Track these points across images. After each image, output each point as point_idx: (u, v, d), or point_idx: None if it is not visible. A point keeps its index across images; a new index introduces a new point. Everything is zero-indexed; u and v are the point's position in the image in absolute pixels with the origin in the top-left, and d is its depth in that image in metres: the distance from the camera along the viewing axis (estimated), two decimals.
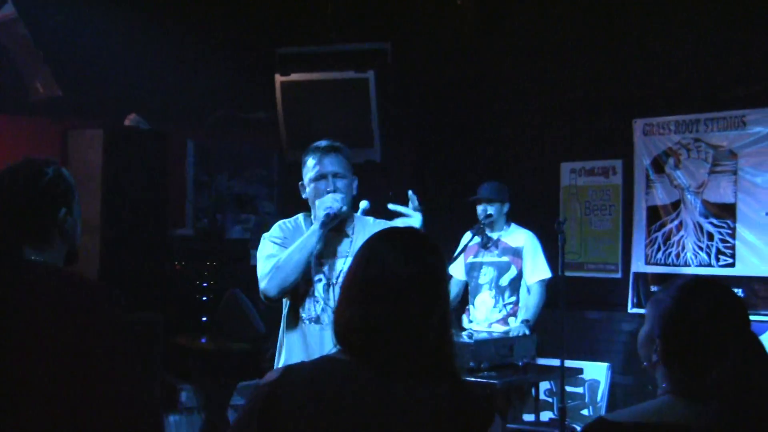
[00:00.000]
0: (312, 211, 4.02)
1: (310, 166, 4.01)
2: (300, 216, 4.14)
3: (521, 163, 7.85)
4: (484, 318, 6.38)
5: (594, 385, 7.13)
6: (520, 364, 5.70)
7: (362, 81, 7.35)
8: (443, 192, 7.96)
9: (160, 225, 7.02)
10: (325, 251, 3.98)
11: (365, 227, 4.02)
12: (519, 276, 6.34)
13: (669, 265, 7.06)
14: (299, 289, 3.97)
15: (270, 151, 7.82)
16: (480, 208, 6.39)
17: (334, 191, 3.93)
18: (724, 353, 2.24)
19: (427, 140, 8.30)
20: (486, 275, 6.42)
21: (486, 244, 6.39)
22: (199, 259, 7.24)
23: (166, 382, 6.82)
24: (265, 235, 4.12)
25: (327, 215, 3.87)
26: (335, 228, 3.96)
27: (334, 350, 2.24)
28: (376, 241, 2.29)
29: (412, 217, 4.00)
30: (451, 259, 6.20)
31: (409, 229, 2.36)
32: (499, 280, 6.37)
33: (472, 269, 6.46)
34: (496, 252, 6.42)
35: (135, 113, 6.96)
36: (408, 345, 2.14)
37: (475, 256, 6.42)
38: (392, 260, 2.20)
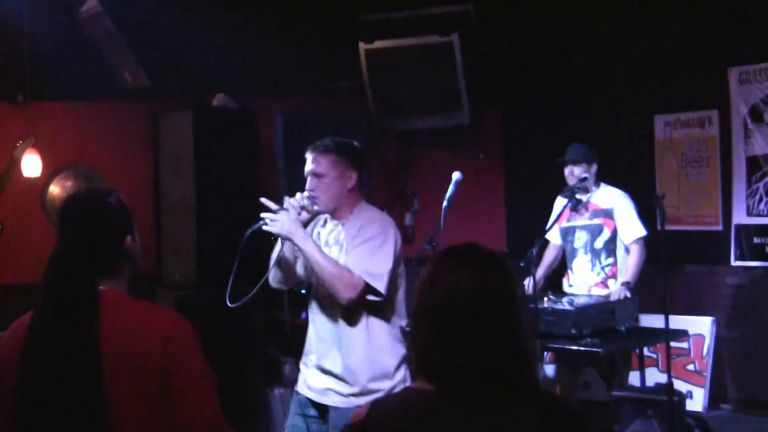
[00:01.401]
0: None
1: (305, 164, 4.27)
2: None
3: (613, 120, 7.69)
4: (582, 282, 6.32)
5: (699, 340, 7.01)
6: (623, 329, 5.60)
7: (447, 45, 7.28)
8: (533, 153, 7.86)
9: (253, 201, 7.06)
10: (320, 242, 4.22)
11: (358, 217, 4.22)
12: (613, 237, 6.24)
13: None
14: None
15: (358, 119, 7.79)
16: (567, 170, 6.30)
17: (312, 189, 4.16)
18: None
19: (515, 101, 8.18)
20: (580, 239, 6.34)
21: (576, 207, 6.28)
22: None
23: (269, 356, 6.93)
24: None
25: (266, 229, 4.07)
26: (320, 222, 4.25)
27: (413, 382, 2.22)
28: (438, 261, 2.23)
29: (279, 214, 4.05)
30: (548, 227, 6.14)
31: (471, 246, 2.26)
32: (594, 243, 6.29)
33: (567, 234, 6.38)
34: (587, 215, 6.32)
35: (222, 93, 6.99)
36: (486, 365, 2.08)
37: (568, 220, 6.32)
38: (456, 280, 2.14)
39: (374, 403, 2.22)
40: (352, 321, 4.16)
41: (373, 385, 4.16)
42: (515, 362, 2.11)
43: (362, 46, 7.42)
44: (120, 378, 2.42)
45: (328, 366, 4.21)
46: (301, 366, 4.38)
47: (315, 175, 4.18)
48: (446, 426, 2.09)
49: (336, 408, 4.19)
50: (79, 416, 2.37)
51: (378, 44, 7.42)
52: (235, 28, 7.22)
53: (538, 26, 7.76)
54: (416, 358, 2.18)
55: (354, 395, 4.15)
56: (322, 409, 4.26)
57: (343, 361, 4.16)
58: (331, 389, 4.21)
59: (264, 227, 4.07)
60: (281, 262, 4.21)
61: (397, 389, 4.14)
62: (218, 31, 7.12)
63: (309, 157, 4.24)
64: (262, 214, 4.07)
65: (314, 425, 4.30)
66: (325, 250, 4.15)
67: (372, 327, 4.20)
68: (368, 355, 4.19)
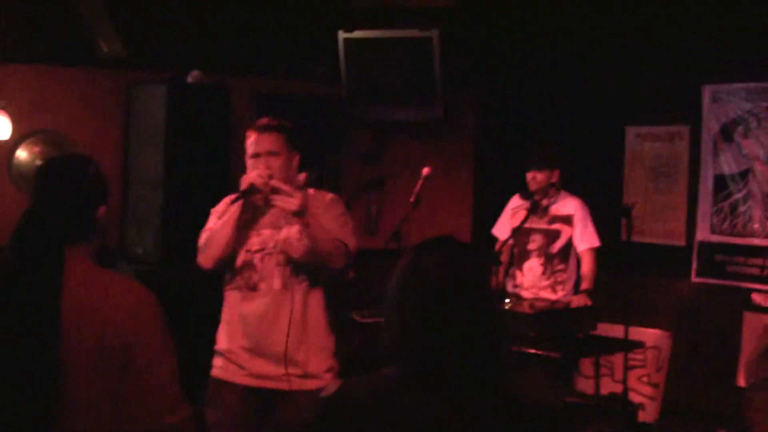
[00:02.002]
0: None
1: (249, 144, 4.25)
2: None
3: (586, 126, 7.72)
4: (531, 285, 6.35)
5: (655, 352, 7.08)
6: (582, 336, 5.66)
7: (426, 39, 7.30)
8: (504, 151, 7.88)
9: (223, 180, 7.03)
10: (262, 222, 4.23)
11: (312, 196, 4.24)
12: (569, 244, 6.30)
13: (735, 235, 6.94)
14: (237, 259, 4.19)
15: (333, 105, 7.78)
16: (529, 175, 6.32)
17: (266, 168, 4.13)
18: None
19: (490, 100, 8.20)
20: (535, 242, 6.38)
21: (536, 211, 6.32)
22: None
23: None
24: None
25: (249, 188, 4.07)
26: (270, 202, 4.17)
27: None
28: (415, 252, 2.25)
29: (287, 200, 4.07)
30: (513, 230, 6.17)
31: (448, 237, 2.30)
32: (549, 248, 6.33)
33: (521, 235, 6.38)
34: (546, 219, 6.37)
35: (198, 70, 6.94)
36: (458, 358, 2.11)
37: (525, 221, 6.35)
38: (434, 268, 2.16)
39: (344, 384, 2.23)
40: (311, 301, 4.20)
41: (318, 368, 4.20)
42: (486, 356, 2.14)
43: (341, 35, 7.43)
44: (79, 347, 2.42)
45: (273, 349, 4.17)
46: (226, 354, 4.28)
47: (269, 153, 4.19)
48: (413, 416, 2.10)
49: (283, 392, 4.17)
50: (32, 380, 2.35)
51: (357, 34, 7.42)
52: (217, 4, 7.19)
53: (518, 27, 7.79)
54: (389, 347, 2.19)
55: (301, 377, 4.16)
56: (263, 396, 4.23)
57: (293, 342, 4.14)
58: (275, 374, 4.17)
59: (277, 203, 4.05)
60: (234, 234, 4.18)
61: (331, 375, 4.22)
62: (199, 6, 7.08)
63: (258, 136, 4.24)
64: (273, 196, 4.05)
65: (252, 414, 4.26)
66: (275, 232, 4.20)
67: (328, 308, 4.28)
68: (319, 336, 4.23)
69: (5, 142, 6.64)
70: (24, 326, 2.37)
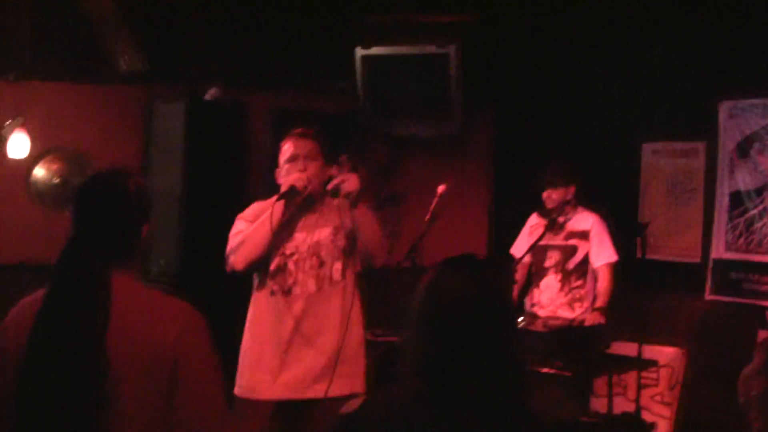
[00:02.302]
0: None
1: (285, 149, 4.34)
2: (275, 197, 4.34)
3: (602, 143, 7.72)
4: (548, 302, 6.36)
5: (668, 371, 7.06)
6: (595, 354, 5.66)
7: (443, 55, 7.32)
8: (521, 168, 7.89)
9: (240, 195, 7.08)
10: (298, 226, 4.29)
11: (338, 207, 4.28)
12: (585, 260, 6.32)
13: (750, 252, 6.93)
14: (270, 262, 4.25)
15: (350, 120, 7.81)
16: (545, 194, 6.36)
17: (303, 170, 4.23)
18: None
19: (507, 116, 8.21)
20: (551, 259, 6.40)
21: (552, 228, 6.34)
22: None
23: None
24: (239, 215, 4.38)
25: (289, 190, 4.18)
26: (306, 205, 4.29)
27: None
28: (439, 269, 2.28)
29: (348, 180, 4.18)
30: (528, 249, 6.19)
31: (470, 255, 2.33)
32: (566, 264, 6.35)
33: (538, 252, 6.41)
34: (562, 235, 6.38)
35: (216, 87, 7.00)
36: (480, 373, 2.13)
37: (541, 239, 6.37)
38: (456, 286, 2.19)
39: (366, 401, 2.30)
40: (347, 300, 4.25)
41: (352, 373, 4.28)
42: (508, 373, 2.16)
43: (359, 52, 7.45)
44: (129, 369, 2.39)
45: (311, 357, 4.20)
46: (258, 369, 4.29)
47: (306, 156, 4.28)
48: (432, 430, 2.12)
49: (315, 401, 4.18)
50: (81, 404, 2.34)
51: (374, 50, 7.45)
52: (235, 21, 7.25)
53: (535, 43, 7.79)
54: (411, 364, 2.21)
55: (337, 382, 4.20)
56: (301, 407, 4.24)
57: (336, 348, 4.18)
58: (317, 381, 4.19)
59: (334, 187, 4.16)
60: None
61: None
62: (218, 22, 7.13)
63: (295, 141, 4.34)
64: (333, 182, 4.16)
65: (280, 429, 4.28)
66: (309, 236, 4.28)
67: (363, 306, 4.41)
68: (355, 338, 4.30)
69: (24, 159, 6.69)
70: (70, 355, 2.35)
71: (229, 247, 4.30)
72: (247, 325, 4.38)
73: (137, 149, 7.03)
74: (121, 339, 2.39)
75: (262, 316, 4.31)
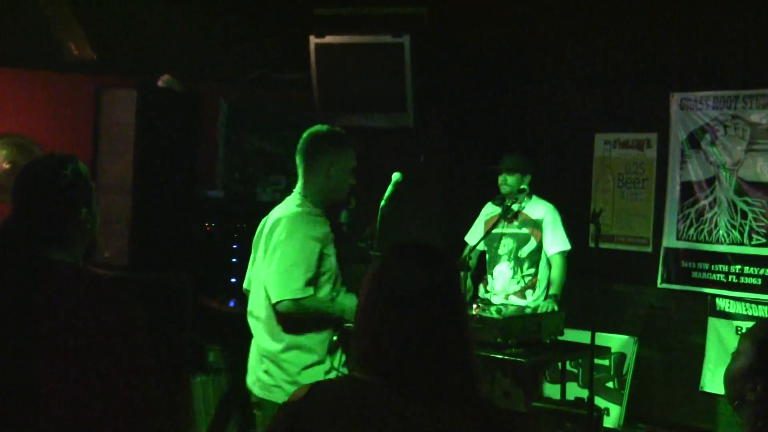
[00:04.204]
0: (323, 192, 4.42)
1: (352, 156, 4.46)
2: (302, 209, 4.37)
3: (555, 133, 7.78)
4: (501, 289, 6.42)
5: (620, 358, 7.12)
6: (548, 341, 5.68)
7: (398, 45, 7.30)
8: (474, 159, 7.90)
9: (191, 186, 7.02)
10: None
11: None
12: (539, 248, 6.39)
13: (701, 241, 7.01)
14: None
15: (303, 112, 7.78)
16: (501, 179, 6.42)
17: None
18: None
19: (460, 107, 8.20)
20: (505, 246, 6.45)
21: (506, 216, 6.39)
22: (229, 220, 7.24)
23: (194, 343, 6.87)
24: (302, 233, 4.28)
25: None
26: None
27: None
28: (388, 258, 2.25)
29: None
30: (482, 236, 6.22)
31: (420, 244, 2.29)
32: (519, 252, 6.41)
33: (492, 240, 6.46)
34: (516, 224, 6.43)
35: (168, 74, 6.93)
36: (430, 363, 2.10)
37: (496, 227, 6.39)
38: (405, 275, 2.16)
39: (314, 386, 2.23)
40: None
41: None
42: (458, 362, 2.13)
43: (313, 40, 7.41)
44: (59, 352, 2.35)
45: None
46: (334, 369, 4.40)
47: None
48: (381, 418, 2.10)
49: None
50: (7, 395, 2.31)
51: (329, 39, 7.41)
52: (187, 10, 7.16)
53: (488, 35, 7.80)
54: (360, 352, 2.18)
55: None
56: None
57: None
58: None
59: None
60: None
61: None
62: (170, 11, 7.06)
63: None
64: None
65: None
66: None
67: None
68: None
69: None
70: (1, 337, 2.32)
71: (292, 285, 4.37)
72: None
73: (87, 138, 6.93)
74: (52, 324, 2.36)
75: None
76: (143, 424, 2.44)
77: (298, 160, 4.47)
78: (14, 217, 2.51)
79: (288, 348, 4.28)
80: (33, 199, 2.53)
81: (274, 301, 4.21)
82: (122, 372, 2.40)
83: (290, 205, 4.41)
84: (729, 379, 2.29)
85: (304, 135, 4.49)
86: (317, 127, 4.53)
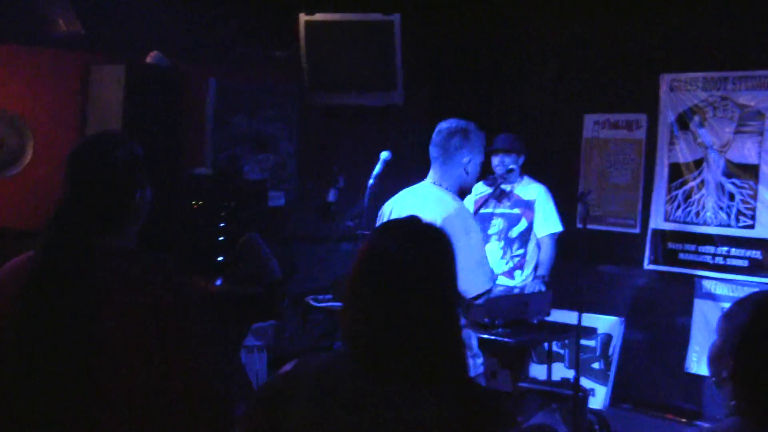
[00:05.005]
0: (457, 184, 4.60)
1: (483, 150, 4.66)
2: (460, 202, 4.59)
3: (544, 114, 7.77)
4: None
5: (606, 338, 7.14)
6: (535, 321, 5.69)
7: (388, 24, 7.27)
8: None
9: (177, 163, 7.00)
10: None
11: None
12: (529, 229, 6.36)
13: (688, 223, 7.02)
14: None
15: (291, 90, 7.75)
16: (497, 159, 6.37)
17: None
18: None
19: (449, 86, 8.20)
20: (495, 226, 6.43)
21: (498, 196, 6.38)
22: (216, 198, 7.21)
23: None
24: (471, 226, 4.44)
25: None
26: None
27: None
28: (379, 233, 2.25)
29: None
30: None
31: (413, 219, 2.27)
32: (509, 232, 6.39)
33: (483, 220, 6.44)
34: (508, 204, 6.41)
35: (156, 51, 6.90)
36: (415, 342, 2.09)
37: (486, 206, 6.38)
38: (393, 250, 2.14)
39: (301, 360, 2.22)
40: None
41: None
42: (441, 341, 2.11)
43: (302, 17, 7.37)
44: (120, 334, 2.31)
45: None
46: None
47: None
48: (361, 394, 2.09)
49: None
50: (70, 374, 2.27)
51: (319, 16, 7.38)
52: None
53: (478, 15, 7.79)
54: (348, 329, 2.17)
55: None
56: None
57: None
58: None
59: None
60: None
61: None
62: None
63: None
64: None
65: None
66: None
67: None
68: None
69: None
70: (59, 327, 2.27)
71: (487, 274, 4.54)
72: None
73: (75, 112, 6.90)
74: (111, 308, 2.32)
75: None
76: (209, 394, 2.39)
77: (436, 153, 4.62)
78: (67, 202, 2.43)
79: None
80: (85, 184, 2.45)
81: (479, 292, 4.31)
82: (183, 351, 2.36)
83: (443, 196, 4.53)
84: (709, 358, 2.30)
85: (443, 128, 4.62)
86: (455, 123, 4.62)
